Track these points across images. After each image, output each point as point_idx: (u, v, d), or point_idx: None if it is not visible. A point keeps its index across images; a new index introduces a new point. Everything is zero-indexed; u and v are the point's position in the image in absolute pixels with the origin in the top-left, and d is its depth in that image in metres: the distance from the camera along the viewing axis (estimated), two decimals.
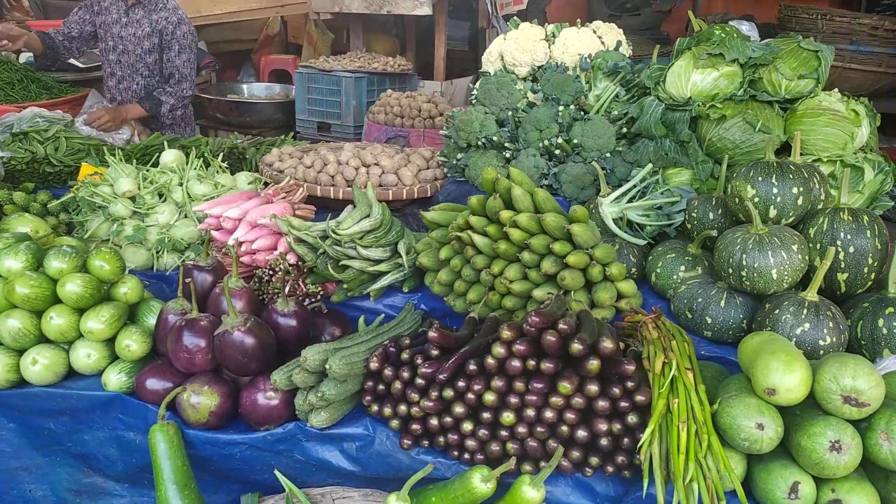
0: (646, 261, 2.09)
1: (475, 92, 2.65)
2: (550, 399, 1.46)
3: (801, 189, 1.77)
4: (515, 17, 3.05)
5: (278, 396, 1.70)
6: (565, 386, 1.42)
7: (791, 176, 1.78)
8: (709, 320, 1.77)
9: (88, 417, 1.84)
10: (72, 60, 4.60)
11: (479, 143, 2.52)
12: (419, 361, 1.57)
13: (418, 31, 6.85)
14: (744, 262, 1.69)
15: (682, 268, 1.96)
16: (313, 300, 2.04)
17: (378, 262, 2.08)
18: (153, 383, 1.79)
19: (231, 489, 1.88)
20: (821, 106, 2.12)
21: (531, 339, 1.47)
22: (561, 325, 1.44)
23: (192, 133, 4.24)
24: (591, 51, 2.82)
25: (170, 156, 2.62)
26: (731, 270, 1.73)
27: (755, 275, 1.68)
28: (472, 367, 1.50)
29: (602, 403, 1.44)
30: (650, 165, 2.25)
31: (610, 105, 2.62)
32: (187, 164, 2.60)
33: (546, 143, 2.45)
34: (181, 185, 2.52)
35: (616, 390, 1.43)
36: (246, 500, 1.79)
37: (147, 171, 2.58)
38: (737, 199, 1.84)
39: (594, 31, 2.99)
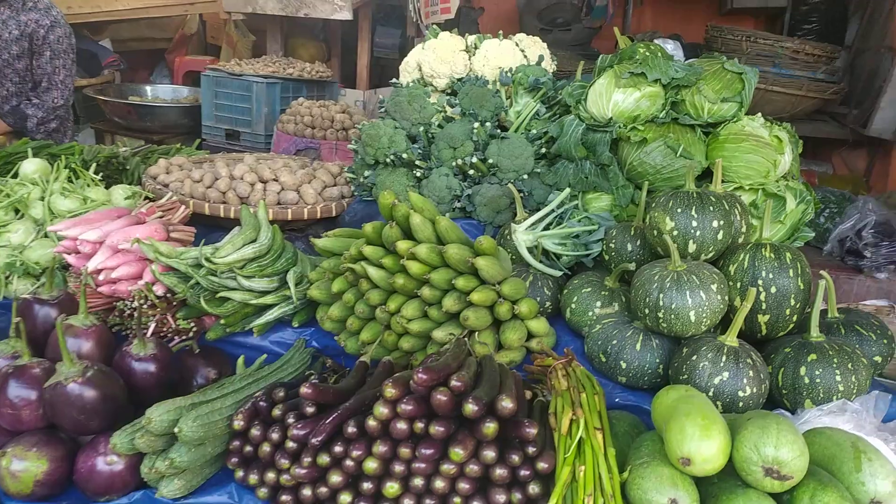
0: (561, 293, 1.93)
1: (385, 104, 2.44)
2: (441, 467, 1.25)
3: (722, 223, 1.64)
4: (435, 26, 2.85)
5: (123, 461, 1.42)
6: (458, 453, 1.21)
7: (711, 208, 1.64)
8: (623, 365, 1.61)
9: None
10: None
11: (388, 160, 2.30)
12: (290, 421, 1.33)
13: (345, 36, 6.60)
14: (661, 303, 1.53)
15: (598, 303, 1.80)
16: (183, 338, 1.76)
17: (263, 293, 1.82)
18: None
19: None
20: (743, 131, 2.01)
21: (420, 397, 1.26)
22: (454, 383, 1.24)
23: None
24: (514, 64, 2.65)
25: (31, 165, 2.29)
26: (647, 311, 1.57)
27: (672, 316, 1.53)
28: (350, 429, 1.28)
29: (500, 472, 1.24)
30: (568, 190, 2.09)
31: (530, 123, 2.46)
32: (52, 175, 2.27)
33: (460, 162, 2.26)
34: (42, 199, 2.19)
35: (515, 457, 1.23)
36: None
37: (4, 182, 2.24)
38: (655, 232, 1.70)
39: (517, 44, 2.83)
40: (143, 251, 1.77)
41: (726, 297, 1.57)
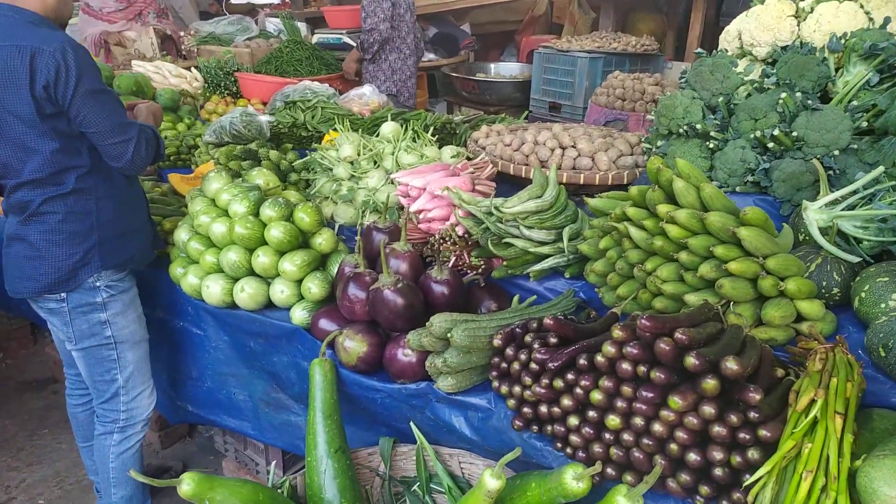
0: (854, 281, 1.74)
1: (686, 74, 2.42)
2: (661, 412, 1.33)
3: None
4: None
5: (415, 355, 1.83)
6: (676, 401, 1.29)
7: None
8: None
9: (278, 343, 2.18)
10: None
11: (682, 130, 2.31)
12: (536, 346, 1.55)
13: (687, 8, 6.37)
14: None
15: (895, 296, 1.59)
16: (474, 273, 2.11)
17: (541, 243, 2.07)
18: (324, 323, 2.05)
19: (380, 430, 2.08)
20: None
21: (646, 344, 1.36)
22: (678, 335, 1.30)
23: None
24: (853, 28, 2.36)
25: (388, 127, 2.90)
26: None
27: None
28: (582, 360, 1.44)
29: (719, 429, 1.27)
30: (881, 168, 1.84)
31: (858, 94, 2.18)
32: (402, 135, 2.85)
33: (759, 134, 2.15)
34: (393, 154, 2.78)
35: (734, 418, 1.25)
36: (383, 442, 1.98)
37: (368, 139, 2.90)
38: None
39: (861, 6, 2.49)
40: (451, 197, 2.16)
41: None
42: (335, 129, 3.31)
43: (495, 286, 2.13)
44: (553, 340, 1.55)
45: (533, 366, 1.54)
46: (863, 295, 1.66)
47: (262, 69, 4.89)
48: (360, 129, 3.09)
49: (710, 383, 1.26)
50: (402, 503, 1.90)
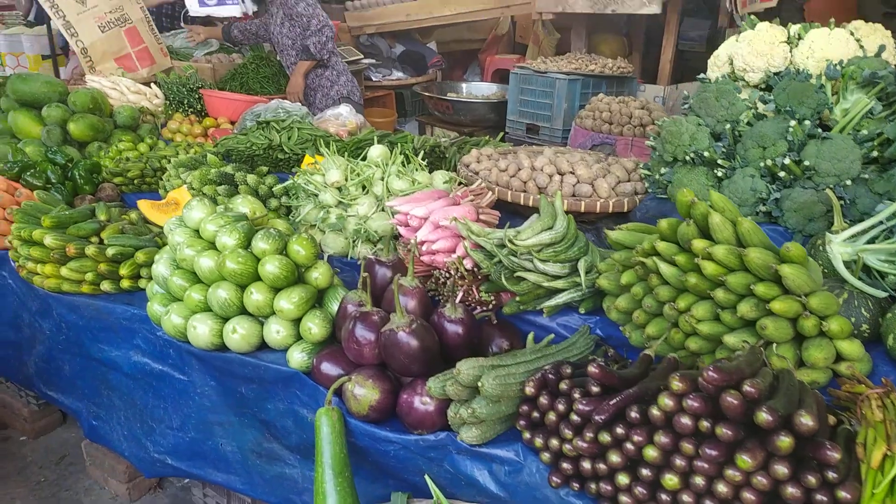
0: (883, 318, 1.71)
1: (689, 100, 2.39)
2: (726, 471, 1.24)
3: None
4: (752, 16, 2.68)
5: (433, 403, 1.69)
6: (745, 460, 1.20)
7: None
8: None
9: (273, 388, 2.01)
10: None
11: (688, 157, 2.26)
12: (576, 396, 1.44)
13: (649, 30, 6.48)
14: None
15: None
16: (484, 309, 2.00)
17: (555, 277, 1.97)
18: (327, 367, 1.89)
19: (385, 482, 1.92)
20: None
21: (707, 396, 1.26)
22: (747, 388, 1.21)
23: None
24: (845, 56, 2.38)
25: (376, 151, 2.76)
26: None
27: None
28: (634, 413, 1.34)
29: (793, 491, 1.19)
30: None
31: (860, 122, 2.19)
32: (391, 159, 2.72)
33: (769, 162, 2.12)
34: (382, 179, 2.65)
35: (812, 479, 1.17)
36: (396, 497, 1.82)
37: (355, 164, 2.75)
38: None
39: (851, 34, 2.52)
40: (458, 229, 2.04)
41: None
42: (317, 152, 3.15)
43: (506, 323, 2.02)
44: (595, 389, 1.44)
45: (574, 417, 1.43)
46: None
47: (225, 86, 4.68)
48: (346, 153, 2.94)
49: (786, 441, 1.17)
50: None
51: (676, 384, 1.28)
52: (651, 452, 1.31)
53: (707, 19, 7.21)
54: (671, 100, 4.40)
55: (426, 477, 1.76)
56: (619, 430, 1.35)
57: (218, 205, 2.47)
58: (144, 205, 2.74)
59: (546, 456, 1.53)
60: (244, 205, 2.32)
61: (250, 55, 4.98)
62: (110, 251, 2.36)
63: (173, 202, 2.79)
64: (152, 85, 4.33)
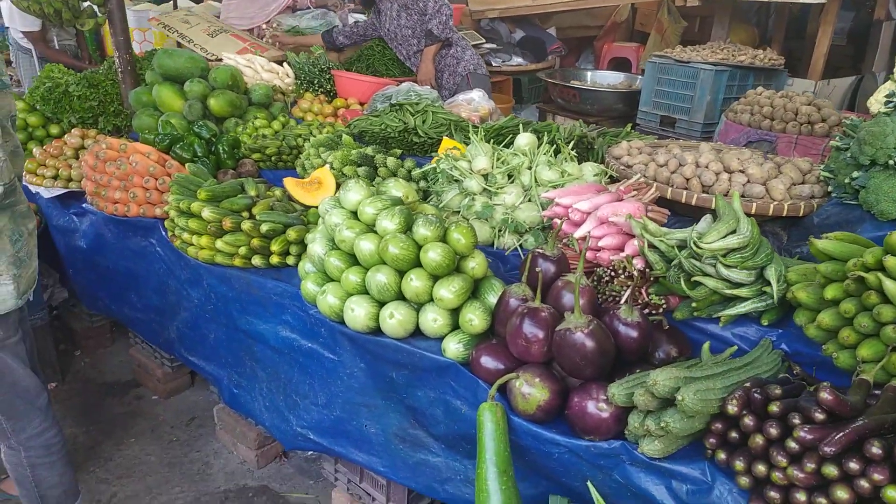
0: None
1: (894, 99, 2.14)
2: None
3: None
4: None
5: (609, 410, 1.59)
6: None
7: None
8: None
9: (425, 376, 1.96)
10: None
11: (890, 162, 2.03)
12: (796, 421, 1.30)
13: (789, 19, 6.04)
14: None
15: None
16: (652, 312, 1.87)
17: (738, 285, 1.81)
18: (487, 361, 1.82)
19: (539, 483, 1.85)
20: None
21: None
22: None
23: None
24: None
25: (524, 139, 2.66)
26: None
27: None
28: (874, 449, 1.18)
29: None
30: None
31: None
32: (538, 148, 2.62)
33: None
34: (530, 168, 2.55)
35: None
36: (554, 501, 1.74)
37: (501, 151, 2.67)
38: None
39: None
40: (633, 226, 1.92)
41: None
42: (452, 137, 3.09)
43: (675, 329, 1.88)
44: (819, 416, 1.29)
45: (791, 444, 1.29)
46: None
47: (351, 67, 4.70)
48: (492, 140, 2.86)
49: None
50: None
51: None
52: (893, 494, 1.15)
53: (852, 11, 6.66)
54: (822, 96, 4.05)
55: (588, 484, 1.66)
56: (853, 465, 1.20)
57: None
58: (290, 182, 2.76)
59: (745, 481, 1.39)
60: (397, 188, 2.28)
61: (375, 37, 4.98)
62: (264, 227, 2.38)
63: (316, 181, 2.79)
64: (284, 64, 4.41)
